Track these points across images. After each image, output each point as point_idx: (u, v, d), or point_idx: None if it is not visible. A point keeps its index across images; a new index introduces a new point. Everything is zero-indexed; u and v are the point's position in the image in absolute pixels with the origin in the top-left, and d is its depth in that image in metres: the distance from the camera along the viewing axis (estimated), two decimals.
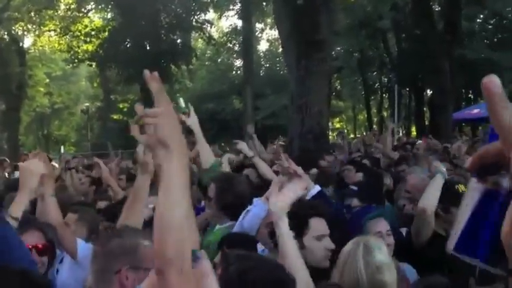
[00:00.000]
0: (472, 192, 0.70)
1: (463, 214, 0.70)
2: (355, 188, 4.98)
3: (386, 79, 37.26)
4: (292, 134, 12.77)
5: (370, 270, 2.56)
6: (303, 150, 11.74)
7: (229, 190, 3.79)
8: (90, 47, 31.08)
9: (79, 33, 31.27)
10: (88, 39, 31.01)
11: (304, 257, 2.60)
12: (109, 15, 33.59)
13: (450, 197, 3.72)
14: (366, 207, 4.30)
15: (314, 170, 6.80)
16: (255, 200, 3.53)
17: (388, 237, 3.48)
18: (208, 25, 31.90)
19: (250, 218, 3.44)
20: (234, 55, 43.23)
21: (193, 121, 4.16)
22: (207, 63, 44.05)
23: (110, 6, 31.48)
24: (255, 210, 3.44)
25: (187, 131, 4.16)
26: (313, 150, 11.28)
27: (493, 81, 0.73)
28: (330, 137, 41.66)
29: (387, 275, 2.57)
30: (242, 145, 5.61)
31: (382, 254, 2.64)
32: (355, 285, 2.56)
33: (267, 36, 49.01)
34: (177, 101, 3.52)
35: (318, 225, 3.02)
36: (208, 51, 43.03)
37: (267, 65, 45.08)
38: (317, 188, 4.10)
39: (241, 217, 3.51)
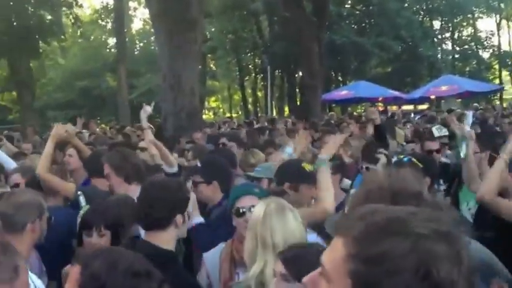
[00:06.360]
0: None
1: None
2: None
3: (259, 60, 38.16)
4: (165, 112, 12.88)
5: None
6: (176, 128, 11.95)
7: None
8: None
9: None
10: None
11: None
12: None
13: (298, 176, 3.89)
14: None
15: None
16: None
17: None
18: (77, 2, 30.44)
19: None
20: (107, 33, 42.18)
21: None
22: (79, 40, 42.48)
23: None
24: None
25: None
26: (187, 128, 11.48)
27: None
28: (206, 115, 42.25)
29: None
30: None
31: None
32: None
33: (141, 14, 47.93)
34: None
35: None
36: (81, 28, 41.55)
37: (141, 44, 44.39)
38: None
39: None
